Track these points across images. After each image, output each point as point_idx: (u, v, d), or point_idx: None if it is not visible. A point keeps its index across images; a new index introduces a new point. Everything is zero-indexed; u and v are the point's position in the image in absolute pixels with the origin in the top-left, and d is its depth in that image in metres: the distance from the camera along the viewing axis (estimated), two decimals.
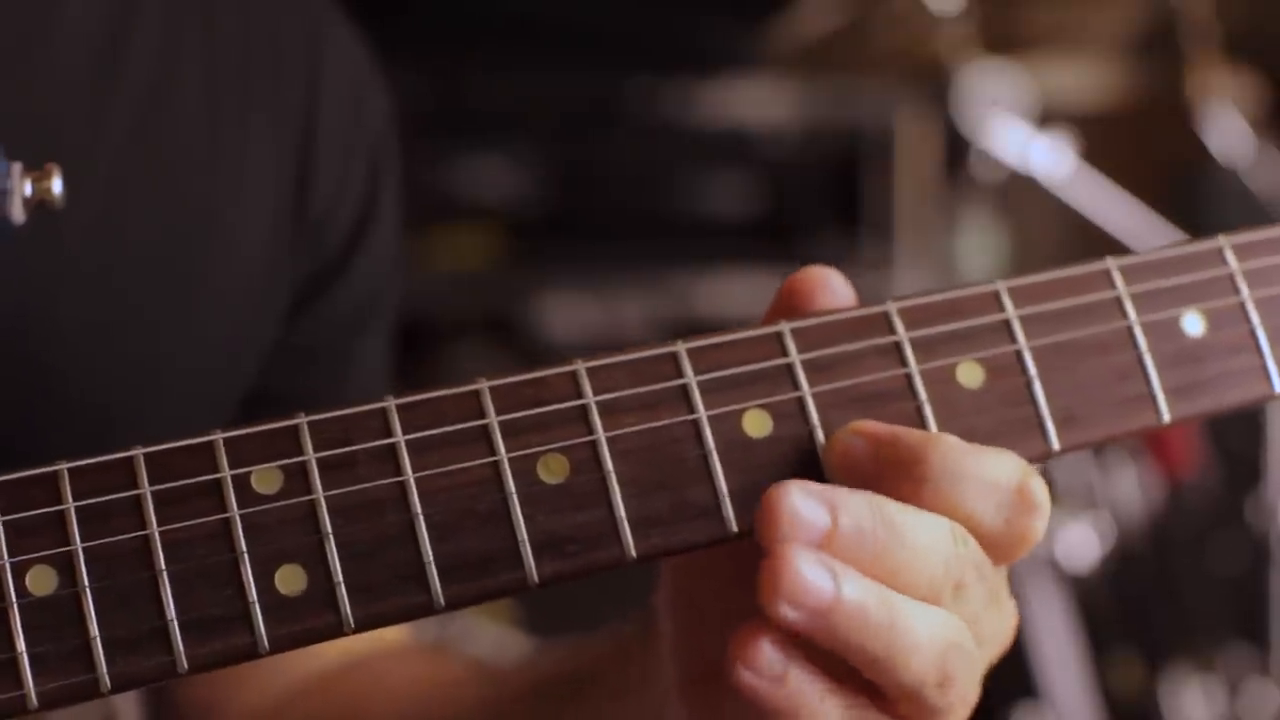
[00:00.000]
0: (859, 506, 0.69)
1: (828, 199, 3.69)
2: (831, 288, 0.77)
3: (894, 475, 0.71)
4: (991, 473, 0.71)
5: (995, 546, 0.71)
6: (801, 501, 0.68)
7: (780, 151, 3.66)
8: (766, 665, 0.69)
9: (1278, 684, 2.43)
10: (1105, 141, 2.57)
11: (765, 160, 3.66)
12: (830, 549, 0.68)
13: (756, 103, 3.63)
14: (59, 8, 0.96)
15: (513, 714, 0.93)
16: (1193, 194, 2.73)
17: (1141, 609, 2.48)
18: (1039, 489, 0.72)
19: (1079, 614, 2.35)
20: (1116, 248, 0.97)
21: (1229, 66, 2.56)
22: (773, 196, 3.68)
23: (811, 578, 0.67)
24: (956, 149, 2.45)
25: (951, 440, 0.71)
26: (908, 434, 0.72)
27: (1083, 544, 2.39)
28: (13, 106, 0.93)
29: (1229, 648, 2.45)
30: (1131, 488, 2.47)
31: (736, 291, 3.54)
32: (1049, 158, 2.37)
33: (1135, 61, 2.86)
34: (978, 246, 2.98)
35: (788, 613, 0.67)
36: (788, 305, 0.77)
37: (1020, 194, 2.54)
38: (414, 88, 3.33)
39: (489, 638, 2.43)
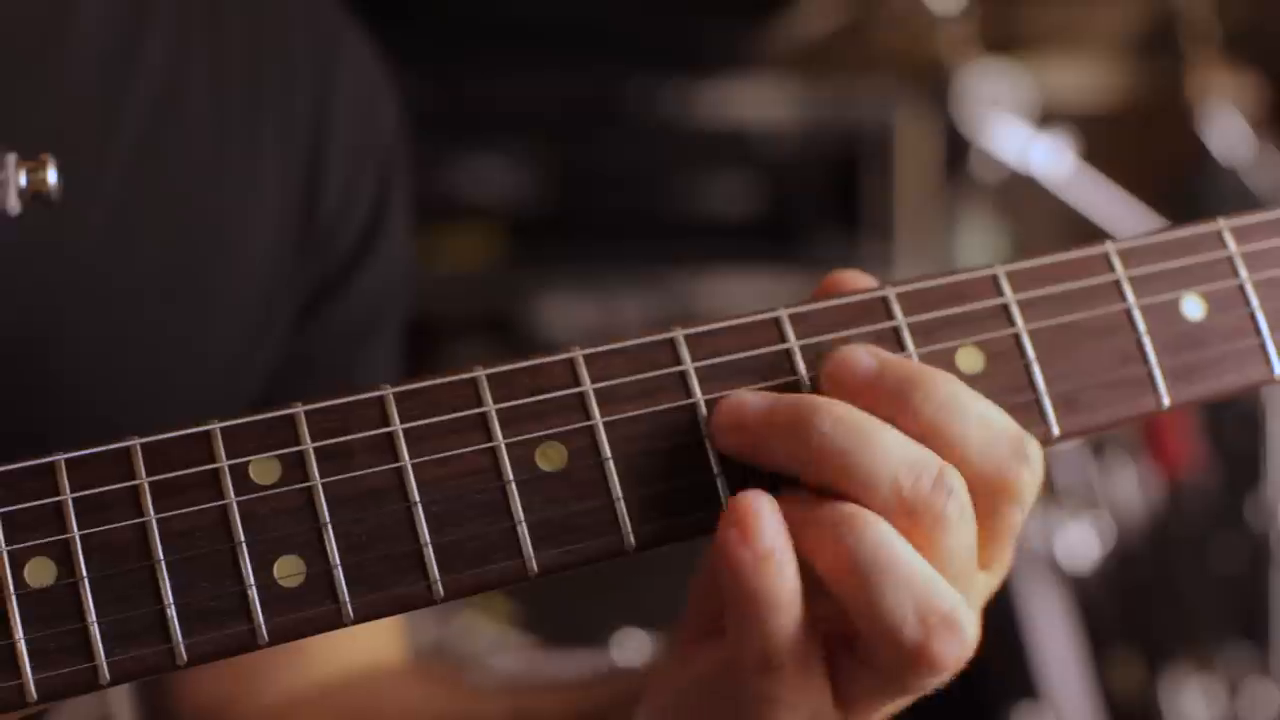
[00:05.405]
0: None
1: (828, 199, 3.68)
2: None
3: (892, 398, 0.70)
4: (989, 414, 0.71)
5: (980, 485, 0.70)
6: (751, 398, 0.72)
7: (780, 151, 3.66)
8: (760, 530, 0.68)
9: (1278, 684, 2.43)
10: (1105, 141, 2.57)
11: (765, 160, 3.66)
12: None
13: (756, 103, 3.63)
14: (70, 15, 0.96)
15: None
16: (1193, 194, 2.72)
17: (1141, 609, 2.48)
18: (1034, 447, 0.71)
19: (1079, 614, 2.34)
20: None
21: (1229, 66, 2.56)
22: (773, 196, 3.68)
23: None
24: (956, 149, 2.45)
25: (955, 378, 0.71)
26: (915, 364, 0.72)
27: (1083, 544, 2.39)
28: (23, 113, 0.93)
29: (1229, 648, 2.44)
30: (1131, 488, 2.47)
31: (736, 291, 3.54)
32: (1049, 158, 2.36)
33: (1135, 61, 2.86)
34: (978, 246, 2.98)
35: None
36: None
37: (1020, 194, 2.53)
38: (414, 88, 3.31)
39: (487, 637, 2.42)
